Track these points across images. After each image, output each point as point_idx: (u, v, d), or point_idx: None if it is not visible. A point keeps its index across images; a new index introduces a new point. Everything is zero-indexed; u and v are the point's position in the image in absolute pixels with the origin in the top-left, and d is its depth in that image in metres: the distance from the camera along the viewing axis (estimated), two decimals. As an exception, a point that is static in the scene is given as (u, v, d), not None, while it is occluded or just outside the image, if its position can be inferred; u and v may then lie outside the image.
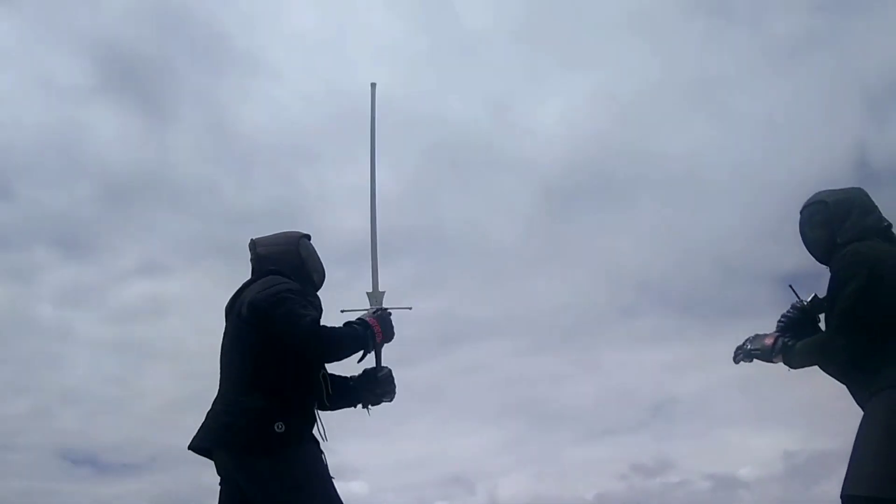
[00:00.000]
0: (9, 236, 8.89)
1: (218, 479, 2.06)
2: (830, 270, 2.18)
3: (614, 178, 9.36)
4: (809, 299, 2.29)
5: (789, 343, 2.22)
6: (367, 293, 2.27)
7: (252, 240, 2.27)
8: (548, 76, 9.60)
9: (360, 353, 2.16)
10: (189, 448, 2.04)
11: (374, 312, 2.23)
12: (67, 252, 9.19)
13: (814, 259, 2.30)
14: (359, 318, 2.18)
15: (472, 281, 9.73)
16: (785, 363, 2.23)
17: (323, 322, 2.09)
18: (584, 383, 9.52)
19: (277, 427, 1.94)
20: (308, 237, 2.31)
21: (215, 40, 8.98)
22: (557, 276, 9.70)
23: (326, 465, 2.08)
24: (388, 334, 2.22)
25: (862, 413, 2.10)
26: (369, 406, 2.26)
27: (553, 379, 9.41)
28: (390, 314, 2.26)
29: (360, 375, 2.25)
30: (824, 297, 2.21)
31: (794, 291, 2.33)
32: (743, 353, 2.33)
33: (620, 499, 7.83)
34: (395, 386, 2.27)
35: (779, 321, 2.32)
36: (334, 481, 2.06)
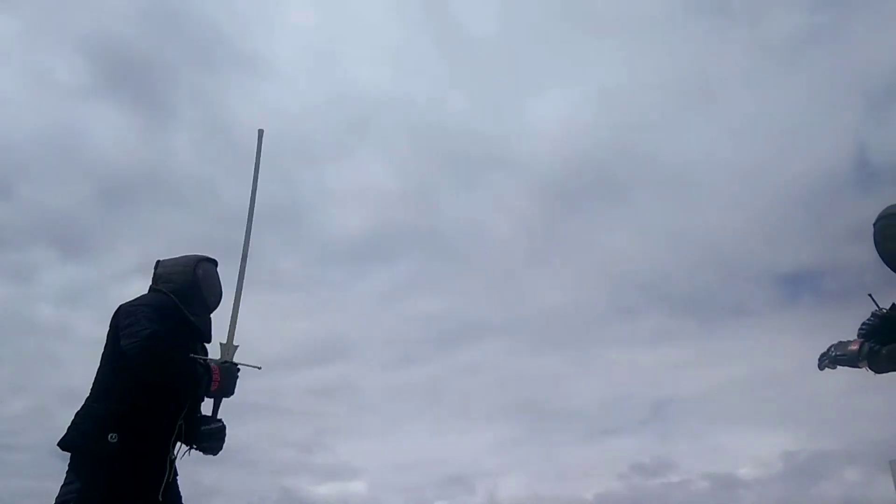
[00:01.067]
0: (8, 236, 8.91)
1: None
2: None
3: (614, 179, 9.38)
4: (889, 307, 2.30)
5: (875, 348, 2.24)
6: (221, 343, 2.21)
7: (157, 260, 2.34)
8: (547, 76, 9.60)
9: (192, 390, 2.14)
10: (57, 444, 2.09)
11: (222, 363, 2.17)
12: (66, 252, 9.22)
13: (890, 270, 2.30)
14: (206, 360, 2.17)
15: (472, 281, 9.77)
16: (871, 368, 2.25)
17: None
18: (584, 383, 9.53)
19: (111, 437, 2.00)
20: (212, 262, 2.37)
21: (214, 40, 9.01)
22: (557, 276, 9.72)
23: (155, 483, 2.08)
24: (227, 387, 2.17)
25: None
26: (190, 449, 2.22)
27: (553, 379, 9.43)
28: (238, 370, 2.20)
29: (199, 417, 2.24)
30: None
31: (873, 300, 2.34)
32: (828, 360, 2.35)
33: (620, 498, 7.85)
34: (221, 444, 2.23)
35: (860, 329, 2.33)
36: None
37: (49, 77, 8.96)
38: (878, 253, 2.32)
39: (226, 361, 2.17)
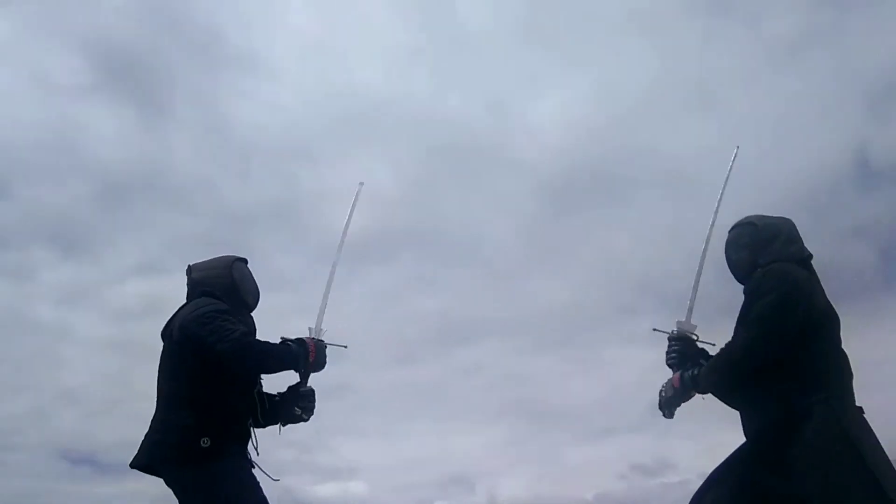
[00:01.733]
0: (6, 235, 8.89)
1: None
2: (747, 288, 2.20)
3: (613, 178, 9.35)
4: (674, 328, 2.37)
5: (693, 373, 2.24)
6: (309, 328, 2.38)
7: (189, 265, 2.38)
8: (547, 75, 9.60)
9: (293, 367, 2.28)
10: (130, 466, 2.14)
11: (314, 339, 2.34)
12: (65, 251, 9.20)
13: (733, 277, 2.35)
14: (297, 338, 2.29)
15: (472, 280, 9.74)
16: (698, 392, 2.24)
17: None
18: (584, 383, 9.51)
19: (203, 442, 2.06)
20: (243, 261, 2.41)
21: (212, 38, 8.99)
22: (557, 275, 9.70)
23: (254, 478, 2.18)
24: (321, 360, 2.31)
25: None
26: (281, 425, 2.34)
27: (552, 378, 9.40)
28: (326, 346, 2.36)
29: (285, 392, 2.35)
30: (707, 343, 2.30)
31: (659, 331, 2.40)
32: (665, 406, 2.34)
33: (620, 498, 7.83)
34: (314, 404, 2.36)
35: (669, 364, 2.34)
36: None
37: (47, 76, 8.94)
38: (727, 259, 2.38)
39: (317, 339, 2.32)
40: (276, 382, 2.36)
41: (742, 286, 2.28)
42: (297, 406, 2.31)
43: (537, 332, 9.56)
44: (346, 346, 2.41)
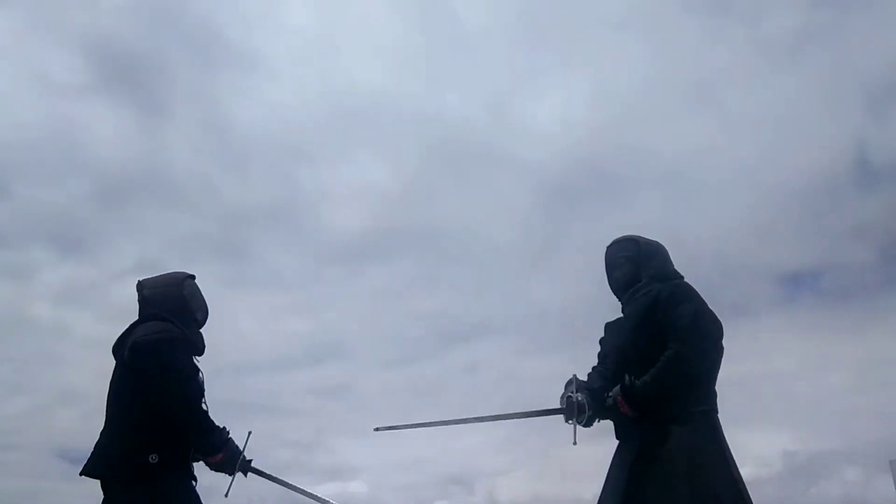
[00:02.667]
0: (6, 235, 8.87)
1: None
2: (646, 299, 2.28)
3: (612, 177, 9.35)
4: (565, 389, 2.38)
5: (626, 388, 2.22)
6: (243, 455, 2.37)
7: (139, 281, 2.39)
8: (545, 74, 9.59)
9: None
10: (81, 474, 2.15)
11: (240, 452, 2.34)
12: (64, 250, 9.19)
13: (610, 289, 2.47)
14: (235, 446, 2.32)
15: (471, 279, 9.74)
16: (634, 408, 2.23)
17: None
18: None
19: (151, 458, 2.07)
20: (192, 277, 2.42)
21: (211, 38, 8.98)
22: (556, 274, 9.69)
23: (198, 496, 2.22)
24: (225, 466, 2.32)
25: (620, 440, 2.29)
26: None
27: (552, 378, 9.37)
28: (243, 469, 2.36)
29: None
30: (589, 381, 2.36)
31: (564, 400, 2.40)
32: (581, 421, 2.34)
33: (619, 498, 7.80)
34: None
35: (578, 417, 2.35)
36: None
37: (46, 75, 8.92)
38: (609, 270, 2.50)
39: (243, 456, 2.32)
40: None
41: (617, 298, 2.43)
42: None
43: (536, 332, 9.56)
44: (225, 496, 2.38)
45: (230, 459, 2.30)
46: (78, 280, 9.04)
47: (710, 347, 2.19)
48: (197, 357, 2.31)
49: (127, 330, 2.29)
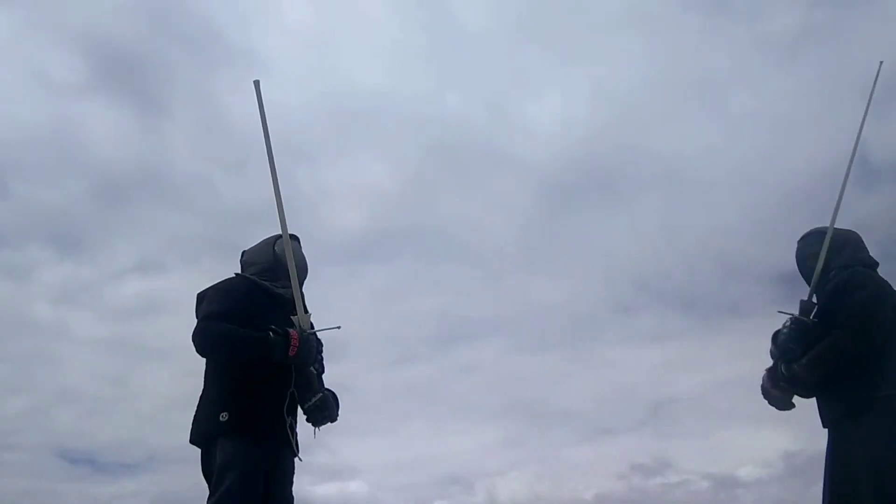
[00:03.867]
0: (3, 234, 8.81)
1: None
2: (829, 287, 2.34)
3: (612, 176, 9.33)
4: (796, 313, 2.36)
5: (784, 373, 2.32)
6: (292, 318, 2.22)
7: (242, 251, 2.41)
8: (545, 73, 9.54)
9: (264, 357, 2.14)
10: (190, 442, 2.20)
11: (301, 332, 2.18)
12: (63, 250, 9.12)
13: (805, 282, 2.47)
14: (284, 329, 2.17)
15: (470, 279, 9.71)
16: (797, 392, 2.35)
17: None
18: (583, 382, 9.48)
19: (222, 416, 2.09)
20: (293, 238, 2.38)
21: (210, 36, 8.90)
22: (555, 274, 9.67)
23: (255, 462, 2.10)
24: (304, 353, 2.17)
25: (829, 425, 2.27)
26: (316, 428, 2.27)
27: (551, 378, 9.37)
28: (315, 338, 2.25)
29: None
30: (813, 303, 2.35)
31: (784, 312, 2.41)
32: (776, 404, 2.41)
33: (619, 499, 7.80)
34: (329, 412, 2.24)
35: (779, 345, 2.35)
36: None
37: (44, 74, 8.84)
38: (799, 266, 2.51)
39: (303, 331, 2.18)
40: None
41: (812, 292, 2.40)
42: (312, 418, 2.23)
43: (536, 332, 9.54)
44: (339, 327, 2.32)
45: (303, 345, 2.15)
46: (76, 279, 9.00)
47: (875, 334, 2.18)
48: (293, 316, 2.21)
49: None
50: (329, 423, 2.26)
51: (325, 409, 2.23)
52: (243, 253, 2.39)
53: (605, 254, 9.50)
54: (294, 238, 2.39)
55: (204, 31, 8.85)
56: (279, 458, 2.19)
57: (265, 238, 2.41)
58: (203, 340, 2.12)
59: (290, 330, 2.16)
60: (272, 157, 2.43)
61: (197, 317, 2.16)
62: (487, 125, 9.36)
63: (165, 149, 9.08)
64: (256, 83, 2.44)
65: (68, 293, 9.02)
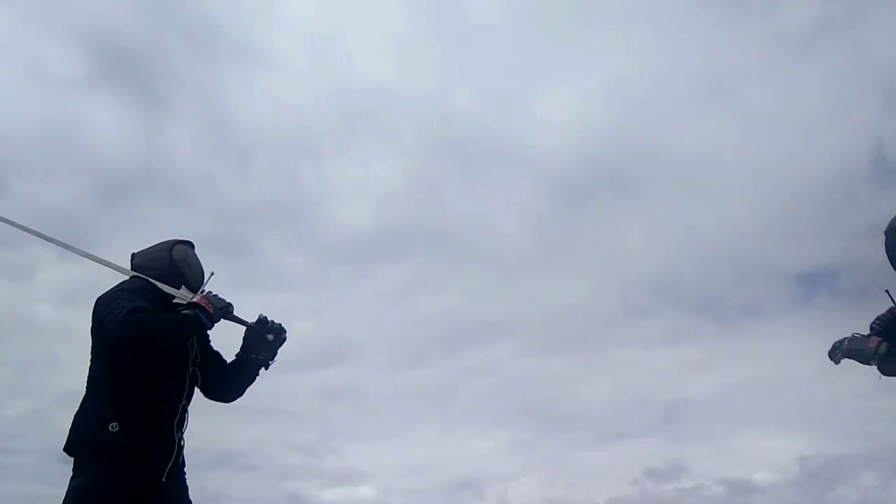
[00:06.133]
0: (4, 233, 8.67)
1: None
2: None
3: (625, 174, 9.17)
4: None
5: (893, 349, 2.27)
6: (182, 287, 2.25)
7: (132, 253, 2.36)
8: (557, 69, 9.39)
9: (196, 330, 2.17)
10: (63, 450, 2.10)
11: (199, 293, 2.22)
12: (63, 249, 8.98)
13: None
14: (187, 302, 2.18)
15: (480, 280, 9.57)
16: (880, 369, 2.29)
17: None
18: (596, 385, 9.33)
19: (111, 427, 2.00)
20: (186, 243, 2.37)
21: (212, 31, 8.79)
22: (567, 274, 9.52)
23: (130, 487, 2.04)
24: (219, 305, 2.18)
25: None
26: (269, 362, 2.29)
27: (564, 380, 9.23)
28: (213, 293, 2.23)
29: (243, 342, 2.28)
30: None
31: (890, 296, 2.37)
32: (841, 352, 2.37)
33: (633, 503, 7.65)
34: (278, 324, 2.28)
35: (872, 325, 2.37)
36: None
37: (44, 68, 8.72)
38: (891, 259, 2.37)
39: (201, 291, 2.21)
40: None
41: None
42: (265, 336, 2.24)
43: (547, 333, 9.39)
44: (213, 273, 2.31)
45: (212, 300, 2.15)
46: (78, 279, 8.85)
47: None
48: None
49: None
50: (283, 343, 2.28)
51: (268, 323, 2.25)
52: (134, 255, 2.35)
53: (618, 254, 9.36)
54: (187, 243, 2.36)
55: (206, 24, 8.72)
56: (171, 475, 2.11)
57: (158, 243, 2.35)
58: (141, 330, 2.03)
59: (190, 297, 2.18)
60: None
61: (112, 317, 2.02)
62: (498, 122, 9.21)
63: (167, 145, 8.96)
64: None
65: (70, 293, 8.88)
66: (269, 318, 2.26)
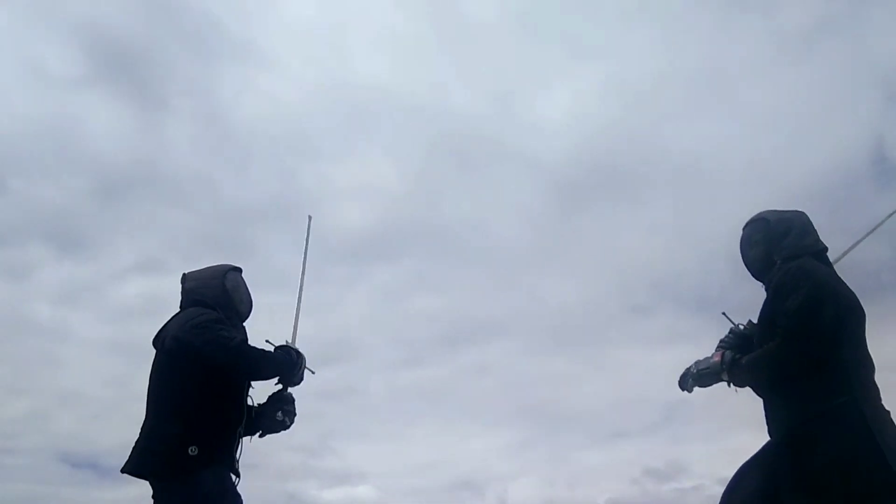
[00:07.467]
0: (2, 232, 8.66)
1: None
2: (769, 285, 2.21)
3: (624, 173, 9.14)
4: (745, 323, 2.32)
5: (737, 356, 2.23)
6: (286, 340, 2.39)
7: (183, 274, 2.41)
8: (555, 68, 9.37)
9: (287, 373, 2.34)
10: (122, 471, 2.18)
11: (296, 349, 2.39)
12: (63, 249, 9.00)
13: (750, 275, 2.36)
14: (280, 345, 2.34)
15: (479, 279, 9.54)
16: (731, 380, 2.25)
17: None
18: (595, 385, 9.30)
19: (191, 450, 2.10)
20: (238, 270, 2.44)
21: (211, 29, 8.76)
22: (567, 274, 9.49)
23: (235, 488, 2.22)
24: (300, 373, 2.36)
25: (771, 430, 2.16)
26: (261, 434, 2.38)
27: (563, 380, 9.20)
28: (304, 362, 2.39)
29: (265, 401, 2.38)
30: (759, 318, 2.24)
31: (728, 318, 2.38)
32: (692, 378, 2.33)
33: (632, 504, 7.62)
34: (294, 409, 2.38)
35: (718, 347, 2.33)
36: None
37: (42, 68, 8.71)
38: (742, 257, 2.37)
39: (297, 349, 2.37)
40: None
41: (759, 282, 2.30)
42: (279, 411, 2.33)
43: (547, 333, 9.37)
44: (314, 373, 2.43)
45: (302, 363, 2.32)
46: (77, 279, 8.85)
47: (811, 347, 2.01)
48: None
49: (168, 321, 2.30)
50: (283, 430, 2.40)
51: (293, 405, 2.38)
52: (185, 277, 2.40)
53: (617, 253, 9.32)
54: (238, 270, 2.44)
55: (204, 23, 8.69)
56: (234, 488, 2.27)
57: (211, 266, 2.42)
58: (254, 364, 2.20)
59: (289, 346, 2.33)
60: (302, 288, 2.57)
61: (217, 346, 2.13)
62: (496, 120, 9.19)
63: (165, 144, 8.94)
64: (309, 218, 2.65)
65: (69, 293, 8.87)
66: (294, 402, 2.37)
